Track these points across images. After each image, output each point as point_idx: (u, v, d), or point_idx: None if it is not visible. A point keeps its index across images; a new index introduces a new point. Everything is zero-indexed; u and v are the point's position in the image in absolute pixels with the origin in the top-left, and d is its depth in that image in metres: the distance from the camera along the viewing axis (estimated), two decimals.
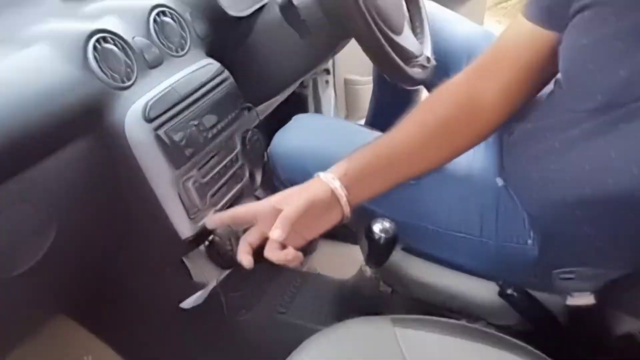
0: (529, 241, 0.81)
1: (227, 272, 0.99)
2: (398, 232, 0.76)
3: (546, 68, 0.73)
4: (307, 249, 1.42)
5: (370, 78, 1.59)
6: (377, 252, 0.76)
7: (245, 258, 0.72)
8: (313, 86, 1.49)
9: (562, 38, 0.67)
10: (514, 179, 0.81)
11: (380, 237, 0.74)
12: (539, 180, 0.74)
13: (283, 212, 0.69)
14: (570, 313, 0.76)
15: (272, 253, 0.70)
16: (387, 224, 0.76)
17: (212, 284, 1.07)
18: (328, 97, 1.53)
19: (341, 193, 0.72)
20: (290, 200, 0.70)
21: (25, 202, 0.60)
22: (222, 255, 1.34)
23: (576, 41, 0.64)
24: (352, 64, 1.59)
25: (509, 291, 0.76)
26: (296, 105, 1.47)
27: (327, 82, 1.53)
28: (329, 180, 0.73)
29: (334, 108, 1.55)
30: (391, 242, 0.75)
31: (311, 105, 1.51)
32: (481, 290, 0.84)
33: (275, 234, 0.67)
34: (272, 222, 0.69)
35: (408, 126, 0.78)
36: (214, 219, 0.76)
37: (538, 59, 0.73)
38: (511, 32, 0.75)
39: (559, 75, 0.75)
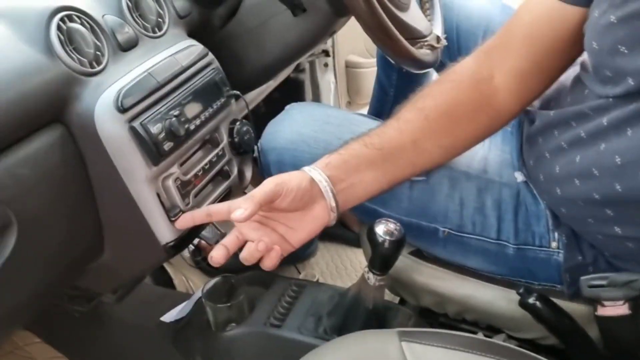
0: (553, 243, 0.81)
1: (214, 280, 0.98)
2: (405, 234, 0.75)
3: (568, 48, 0.73)
4: (303, 254, 1.42)
5: (374, 60, 1.58)
6: (382, 257, 0.75)
7: (216, 254, 0.71)
8: (310, 70, 1.48)
9: (587, 14, 0.67)
10: (536, 173, 0.80)
11: (384, 240, 0.74)
12: (563, 175, 0.74)
13: (249, 192, 0.69)
14: (600, 325, 0.75)
15: (246, 251, 0.71)
16: (392, 226, 0.75)
17: (198, 294, 1.07)
18: (327, 82, 1.52)
19: (324, 183, 0.72)
20: (267, 183, 0.71)
21: None
22: (208, 262, 1.34)
23: (604, 18, 0.63)
24: (354, 44, 1.58)
25: (531, 300, 0.76)
26: (291, 92, 1.46)
27: (326, 65, 1.52)
28: (309, 170, 0.73)
29: (334, 94, 1.55)
30: (397, 245, 0.74)
31: (308, 91, 1.51)
32: (499, 300, 0.84)
33: (238, 212, 0.67)
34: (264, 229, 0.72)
35: (404, 114, 0.77)
36: (185, 218, 0.74)
37: (559, 37, 0.72)
38: (529, 6, 0.75)
39: (584, 57, 0.75)
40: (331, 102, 1.55)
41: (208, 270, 1.34)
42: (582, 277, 0.74)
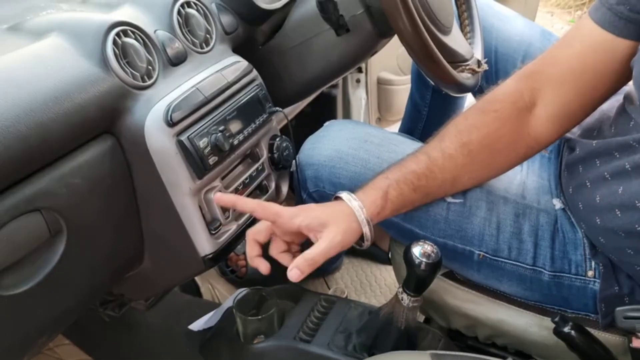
0: (589, 272, 0.81)
1: (242, 291, 0.99)
2: (441, 257, 0.76)
3: (614, 80, 0.73)
4: (329, 268, 1.43)
5: (407, 77, 1.59)
6: (417, 279, 0.76)
7: (260, 263, 0.75)
8: (343, 86, 1.49)
9: (638, 48, 0.67)
10: (575, 201, 0.80)
11: (421, 262, 0.74)
12: (604, 205, 0.74)
13: (309, 253, 0.71)
14: (634, 357, 0.74)
15: (280, 256, 0.75)
16: (429, 248, 0.75)
17: (227, 304, 1.08)
18: (358, 98, 1.53)
19: (361, 214, 0.74)
20: (315, 229, 0.72)
21: (34, 211, 0.61)
22: (236, 272, 1.35)
23: None
24: (387, 61, 1.59)
25: (566, 329, 0.75)
26: (323, 107, 1.48)
27: (358, 81, 1.53)
28: (363, 225, 0.75)
29: (364, 110, 1.55)
30: (433, 268, 0.75)
31: (340, 106, 1.52)
32: (532, 326, 0.84)
33: (294, 275, 0.70)
34: (290, 235, 0.75)
35: (449, 146, 0.78)
36: (228, 198, 0.75)
37: (607, 69, 0.72)
38: (580, 36, 0.74)
39: (628, 88, 0.75)
40: (361, 118, 1.56)
41: (234, 280, 1.35)
42: (618, 308, 0.74)
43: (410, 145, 0.92)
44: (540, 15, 3.47)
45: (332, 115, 1.52)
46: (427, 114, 1.33)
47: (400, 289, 0.80)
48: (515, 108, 0.78)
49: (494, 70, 1.10)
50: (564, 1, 3.69)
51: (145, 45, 0.72)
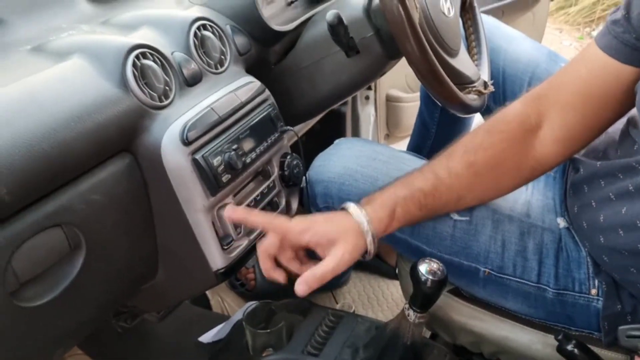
0: (593, 290, 0.82)
1: (252, 304, 1.01)
2: (447, 274, 0.77)
3: (619, 104, 0.74)
4: (338, 282, 1.45)
5: (415, 95, 1.62)
6: (424, 295, 0.78)
7: (276, 275, 0.76)
8: (352, 103, 1.52)
9: None
10: (579, 220, 0.82)
11: (427, 279, 0.76)
12: (607, 225, 0.75)
13: (318, 270, 0.72)
14: None
15: (290, 263, 0.76)
16: (435, 265, 0.77)
17: (237, 316, 1.10)
18: (367, 114, 1.55)
19: (368, 230, 0.75)
20: (323, 246, 0.74)
21: (55, 227, 0.64)
22: (245, 285, 1.37)
23: None
24: (396, 78, 1.61)
25: (569, 347, 0.76)
26: (333, 122, 1.50)
27: (367, 98, 1.56)
28: (370, 242, 0.76)
29: (373, 127, 1.58)
30: (439, 285, 0.76)
31: (349, 123, 1.54)
32: (536, 343, 0.85)
33: (301, 289, 0.72)
34: (296, 249, 0.77)
35: (455, 166, 0.80)
36: (240, 213, 0.77)
37: (612, 94, 0.74)
38: (585, 60, 0.76)
39: (632, 112, 0.76)
40: (370, 134, 1.58)
41: (244, 293, 1.37)
42: (621, 327, 0.75)
43: (417, 163, 0.94)
44: (548, 31, 3.49)
45: (341, 132, 1.54)
46: (435, 132, 1.35)
47: (407, 305, 0.81)
48: (521, 130, 0.79)
49: (502, 91, 1.12)
50: (573, 18, 3.71)
51: (162, 67, 0.75)
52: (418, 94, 1.54)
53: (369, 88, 1.54)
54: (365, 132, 1.56)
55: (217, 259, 0.77)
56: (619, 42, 0.72)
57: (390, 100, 1.64)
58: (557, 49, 3.40)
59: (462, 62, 0.91)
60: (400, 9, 0.74)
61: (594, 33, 3.57)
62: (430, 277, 0.76)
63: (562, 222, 0.87)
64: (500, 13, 1.73)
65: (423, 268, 0.77)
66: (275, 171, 0.87)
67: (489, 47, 1.04)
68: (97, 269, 0.70)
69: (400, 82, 1.64)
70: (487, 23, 1.16)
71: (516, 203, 0.89)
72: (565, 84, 0.78)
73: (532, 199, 0.90)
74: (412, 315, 0.80)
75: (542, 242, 0.85)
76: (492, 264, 0.86)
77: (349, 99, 1.48)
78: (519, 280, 0.85)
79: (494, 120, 0.82)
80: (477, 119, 1.24)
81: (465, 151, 0.80)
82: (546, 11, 1.99)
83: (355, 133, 1.56)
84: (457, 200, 0.81)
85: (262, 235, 0.85)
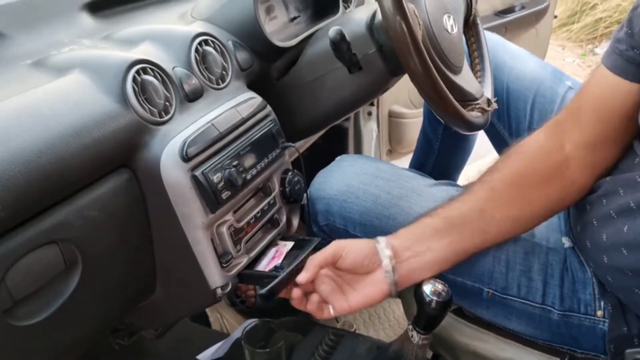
0: (599, 312, 0.81)
1: (251, 322, 0.99)
2: (451, 295, 0.76)
3: (634, 120, 0.74)
4: None
5: (418, 111, 1.61)
6: (428, 317, 0.76)
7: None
8: (354, 118, 1.51)
9: None
10: (583, 240, 0.81)
11: (431, 300, 0.75)
12: (611, 244, 0.74)
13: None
14: None
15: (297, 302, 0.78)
16: (439, 286, 0.76)
17: (236, 334, 1.08)
18: (370, 130, 1.55)
19: (385, 251, 0.77)
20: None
21: (51, 243, 0.63)
22: (245, 302, 1.36)
23: None
24: (398, 94, 1.61)
25: None
26: (335, 138, 1.49)
27: (369, 113, 1.55)
28: (376, 238, 0.78)
29: (375, 142, 1.57)
30: (444, 306, 0.75)
31: (351, 138, 1.54)
32: None
33: (300, 277, 0.75)
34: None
35: (469, 187, 0.80)
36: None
37: (624, 111, 0.74)
38: (596, 80, 0.77)
39: None
40: (372, 150, 1.58)
41: (243, 310, 1.35)
42: (628, 350, 0.73)
43: (420, 181, 0.94)
44: (551, 48, 3.50)
45: (344, 147, 1.53)
46: (438, 149, 1.34)
47: (410, 326, 0.80)
48: (543, 150, 0.80)
49: (506, 107, 1.11)
50: (575, 35, 3.72)
51: (163, 82, 0.75)
52: (421, 110, 1.54)
53: (372, 104, 1.54)
54: (368, 147, 1.55)
55: (215, 277, 0.76)
56: (624, 60, 0.72)
57: (392, 116, 1.63)
58: (560, 66, 3.41)
59: (465, 79, 0.90)
60: (404, 26, 0.74)
61: (597, 50, 3.58)
62: (435, 298, 0.75)
63: (566, 242, 0.85)
64: (503, 30, 1.73)
65: (427, 289, 0.76)
66: (276, 188, 0.86)
67: (492, 64, 1.04)
68: (93, 286, 0.68)
69: (403, 98, 1.64)
70: (492, 40, 1.16)
71: None
72: (582, 105, 0.79)
73: None
74: (415, 336, 0.79)
75: (547, 262, 0.84)
76: (496, 285, 0.85)
77: (352, 114, 1.47)
78: (523, 301, 0.84)
79: (513, 147, 0.82)
80: (480, 135, 1.23)
81: (481, 179, 0.81)
82: (549, 28, 1.99)
83: (358, 149, 1.56)
84: (480, 213, 0.78)
85: (261, 252, 0.84)
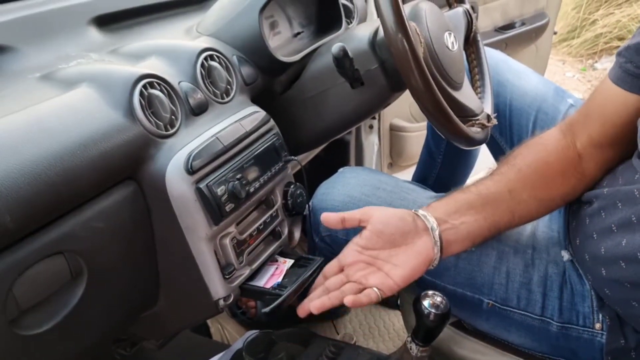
0: (597, 325, 0.81)
1: (252, 333, 1.00)
2: (450, 307, 0.77)
3: (635, 131, 0.76)
4: (338, 310, 1.43)
5: (419, 125, 1.63)
6: (426, 329, 0.77)
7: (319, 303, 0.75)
8: (356, 131, 1.52)
9: None
10: (581, 253, 0.82)
11: (430, 313, 0.75)
12: (609, 257, 0.75)
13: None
14: None
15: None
16: (438, 298, 0.76)
17: (236, 345, 1.08)
18: (371, 143, 1.56)
19: (428, 218, 0.77)
20: None
21: (57, 254, 0.64)
22: (246, 313, 1.36)
23: None
24: (400, 108, 1.63)
25: None
26: (337, 151, 1.51)
27: (371, 127, 1.57)
28: (413, 210, 0.79)
29: (377, 155, 1.58)
30: (442, 318, 0.76)
31: (352, 151, 1.55)
32: None
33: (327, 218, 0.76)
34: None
35: (498, 169, 0.84)
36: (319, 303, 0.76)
37: (624, 119, 0.78)
38: (601, 89, 0.81)
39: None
40: (373, 163, 1.59)
41: (244, 321, 1.36)
42: None
43: (421, 193, 0.95)
44: (552, 63, 3.53)
45: (345, 160, 1.55)
46: (441, 162, 1.35)
47: (409, 339, 0.81)
48: (558, 145, 0.84)
49: (508, 123, 1.13)
50: (576, 50, 3.75)
51: (169, 96, 0.76)
52: (421, 124, 1.56)
53: (374, 117, 1.55)
54: (369, 160, 1.56)
55: (218, 288, 0.77)
56: (623, 71, 0.76)
57: (394, 129, 1.65)
58: (561, 80, 3.43)
59: (466, 95, 0.91)
60: (405, 43, 0.75)
61: (597, 65, 3.60)
62: (434, 310, 0.75)
63: (566, 255, 0.86)
64: (503, 45, 1.75)
65: (426, 301, 0.76)
66: (279, 200, 0.87)
67: (492, 80, 1.05)
68: (98, 297, 0.69)
69: (404, 112, 1.65)
70: (496, 58, 1.18)
71: (521, 235, 0.89)
72: (590, 110, 0.84)
73: (537, 231, 0.90)
74: (414, 349, 0.79)
75: (547, 274, 0.85)
76: (496, 296, 0.85)
77: (354, 128, 1.49)
78: (522, 312, 0.84)
79: (531, 139, 0.87)
80: (483, 149, 1.24)
81: (505, 160, 0.85)
82: (549, 44, 2.01)
83: (359, 161, 1.57)
84: (509, 193, 0.81)
85: (263, 264, 0.85)
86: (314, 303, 0.75)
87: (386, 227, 0.76)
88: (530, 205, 0.83)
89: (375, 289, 0.74)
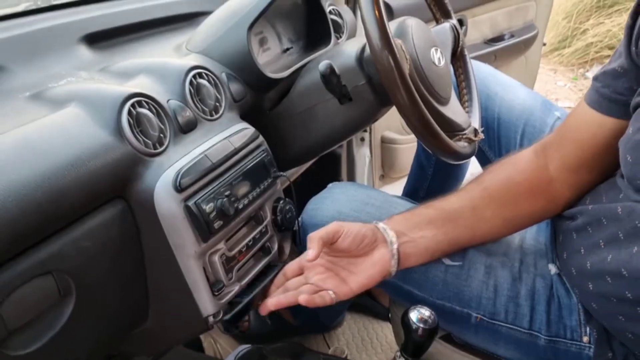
0: (585, 338, 0.82)
1: (243, 348, 1.00)
2: (438, 322, 0.77)
3: (610, 152, 0.77)
4: (331, 324, 1.44)
5: (410, 137, 1.64)
6: (415, 344, 0.77)
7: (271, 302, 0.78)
8: (347, 144, 1.53)
9: (624, 129, 0.72)
10: (568, 267, 0.82)
11: (418, 327, 0.76)
12: (595, 272, 0.76)
13: (312, 233, 0.78)
14: None
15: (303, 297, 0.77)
16: (426, 313, 0.77)
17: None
18: (362, 155, 1.57)
19: (387, 231, 0.80)
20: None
21: (46, 274, 0.64)
22: (238, 327, 1.36)
23: (633, 136, 0.68)
24: (391, 120, 1.64)
25: None
26: (328, 163, 1.51)
27: (362, 139, 1.58)
28: (373, 222, 0.82)
29: (368, 167, 1.59)
30: (430, 333, 0.76)
31: (344, 164, 1.56)
32: None
33: (309, 254, 0.75)
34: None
35: (465, 187, 0.86)
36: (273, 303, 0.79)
37: (600, 142, 0.78)
38: (576, 112, 0.82)
39: None
40: (365, 175, 1.59)
41: (237, 335, 1.36)
42: None
43: (410, 207, 0.95)
44: (543, 72, 3.56)
45: (337, 172, 1.55)
46: (431, 175, 1.36)
47: (399, 353, 0.81)
48: (531, 164, 0.85)
49: (497, 136, 1.14)
50: (567, 59, 3.77)
51: (158, 115, 0.76)
52: (412, 136, 1.56)
53: (365, 130, 1.56)
54: (361, 173, 1.57)
55: (207, 305, 0.77)
56: (599, 95, 0.77)
57: (385, 142, 1.66)
58: (552, 89, 3.45)
59: (453, 110, 0.92)
60: (391, 59, 0.76)
61: (588, 74, 3.63)
62: (422, 325, 0.76)
63: (553, 268, 0.87)
64: (492, 58, 1.76)
65: (414, 316, 0.77)
66: (268, 216, 0.87)
67: (484, 95, 1.06)
68: (87, 315, 0.69)
69: (395, 124, 1.66)
70: (484, 71, 1.19)
71: (509, 248, 0.89)
72: (564, 133, 0.84)
73: (525, 244, 0.91)
74: None
75: (534, 288, 0.86)
76: (484, 310, 0.86)
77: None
78: (510, 326, 0.85)
79: (505, 158, 0.89)
80: (473, 162, 1.25)
81: (476, 181, 0.87)
82: (538, 55, 2.03)
83: (351, 174, 1.58)
84: (472, 210, 0.83)
85: (253, 280, 0.85)
86: (271, 300, 0.79)
87: (348, 238, 0.79)
88: (494, 223, 0.85)
89: (330, 292, 0.78)
